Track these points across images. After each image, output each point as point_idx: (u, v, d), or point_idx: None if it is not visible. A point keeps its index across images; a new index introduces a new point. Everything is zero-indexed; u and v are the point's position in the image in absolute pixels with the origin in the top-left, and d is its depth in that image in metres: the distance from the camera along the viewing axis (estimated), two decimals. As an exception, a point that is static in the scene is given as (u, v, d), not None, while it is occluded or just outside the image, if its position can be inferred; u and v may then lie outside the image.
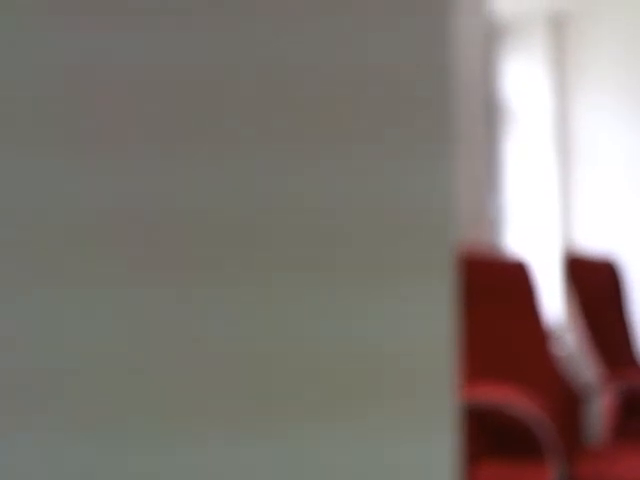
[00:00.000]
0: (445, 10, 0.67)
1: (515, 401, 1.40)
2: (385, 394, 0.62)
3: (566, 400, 1.89)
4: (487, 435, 1.61)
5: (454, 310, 0.67)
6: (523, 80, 3.42)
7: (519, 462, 1.50)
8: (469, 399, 1.55)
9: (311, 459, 0.42)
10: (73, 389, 0.29)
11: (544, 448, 1.31)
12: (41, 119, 0.29)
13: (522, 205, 3.34)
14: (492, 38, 3.32)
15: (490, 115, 2.95)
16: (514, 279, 1.95)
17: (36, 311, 0.29)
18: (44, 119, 0.29)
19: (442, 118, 0.63)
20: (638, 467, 1.47)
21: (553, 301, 2.88)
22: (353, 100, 0.48)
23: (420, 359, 0.66)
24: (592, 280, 2.40)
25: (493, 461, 1.55)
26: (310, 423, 0.45)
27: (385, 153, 0.52)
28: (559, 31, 3.40)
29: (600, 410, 2.35)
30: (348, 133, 0.45)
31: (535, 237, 3.29)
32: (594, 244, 3.18)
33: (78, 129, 0.29)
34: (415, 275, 0.63)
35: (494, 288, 1.87)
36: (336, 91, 0.47)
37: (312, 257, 0.45)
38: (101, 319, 0.29)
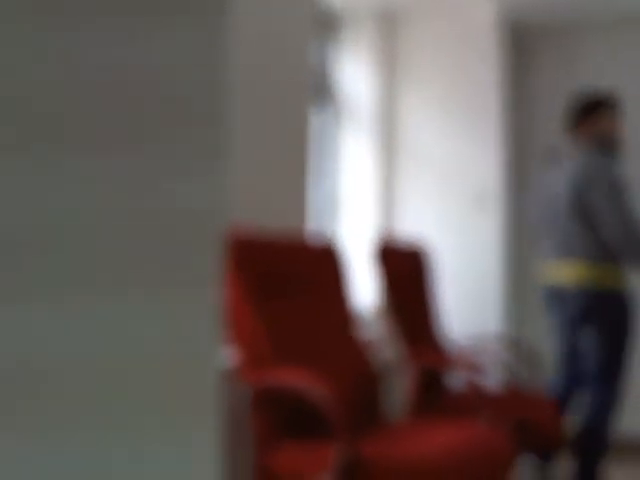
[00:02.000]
0: (220, 38, 0.60)
1: (306, 384, 1.42)
2: (145, 394, 0.57)
3: (369, 381, 1.96)
4: (285, 418, 1.62)
5: (217, 314, 0.62)
6: (354, 74, 3.52)
7: (315, 443, 1.54)
8: (262, 383, 1.55)
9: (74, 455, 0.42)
10: None
11: (332, 429, 1.35)
12: None
13: (349, 195, 3.45)
14: (324, 30, 3.37)
15: (322, 104, 3.00)
16: (321, 265, 1.99)
17: None
18: None
19: (217, 135, 0.58)
20: (425, 443, 1.58)
21: (364, 286, 3.01)
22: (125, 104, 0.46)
23: (180, 358, 0.61)
24: (401, 266, 2.54)
25: (291, 443, 1.57)
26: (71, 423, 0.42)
27: (150, 162, 0.48)
28: (387, 29, 3.54)
29: (402, 388, 2.49)
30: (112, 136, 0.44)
31: (357, 225, 3.42)
32: (410, 234, 3.38)
33: None
34: (178, 276, 0.58)
35: (301, 274, 1.88)
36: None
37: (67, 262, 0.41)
38: None
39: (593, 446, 2.29)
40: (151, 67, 0.55)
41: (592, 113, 2.48)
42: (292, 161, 2.32)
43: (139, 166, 0.51)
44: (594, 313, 2.33)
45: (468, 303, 3.21)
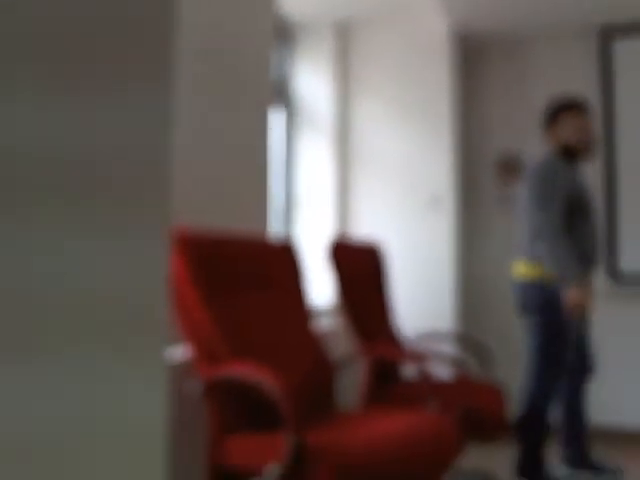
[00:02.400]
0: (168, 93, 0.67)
1: (256, 377, 1.48)
2: (104, 335, 0.64)
3: (323, 373, 2.03)
4: (238, 411, 1.68)
5: (165, 274, 0.69)
6: (310, 81, 3.59)
7: (266, 434, 1.60)
8: (215, 376, 1.60)
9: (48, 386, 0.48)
10: None
11: (282, 420, 1.41)
12: None
13: (306, 196, 3.52)
14: (281, 38, 3.43)
15: (280, 110, 3.04)
16: (278, 262, 2.05)
17: None
18: None
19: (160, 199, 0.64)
20: (373, 431, 1.65)
21: (321, 283, 3.08)
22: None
23: (133, 306, 0.68)
24: (356, 263, 2.62)
25: (242, 435, 1.62)
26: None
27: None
28: (343, 38, 3.62)
29: (356, 380, 2.57)
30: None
31: (313, 225, 3.49)
32: (365, 233, 3.47)
33: None
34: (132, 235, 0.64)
35: (257, 271, 1.94)
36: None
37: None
38: None
39: (530, 432, 2.41)
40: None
41: (553, 119, 2.54)
42: (253, 165, 2.37)
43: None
44: (527, 304, 2.50)
45: (421, 299, 3.32)
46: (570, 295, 2.35)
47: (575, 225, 2.46)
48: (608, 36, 3.45)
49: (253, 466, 1.53)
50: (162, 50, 0.71)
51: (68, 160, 0.58)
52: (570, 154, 2.52)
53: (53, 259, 0.55)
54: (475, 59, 3.79)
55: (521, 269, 2.51)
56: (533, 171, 2.47)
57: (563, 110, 2.52)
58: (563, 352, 2.43)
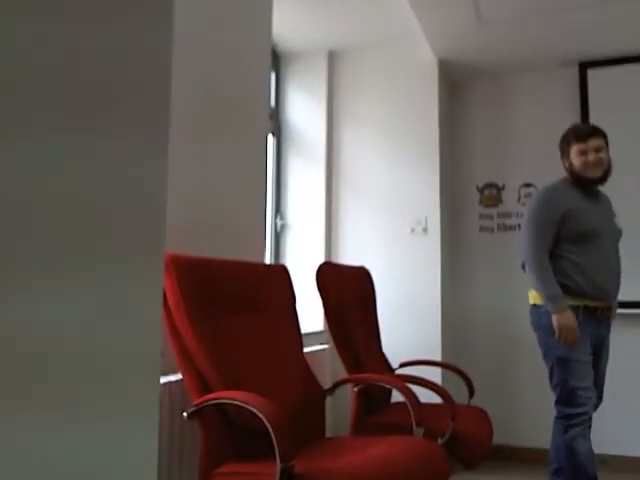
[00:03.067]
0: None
1: (248, 404, 1.49)
2: (95, 381, 0.65)
3: (313, 398, 2.04)
4: (231, 439, 1.67)
5: (159, 310, 0.71)
6: (301, 108, 3.64)
7: (256, 462, 1.59)
8: (207, 403, 1.60)
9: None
10: None
11: (273, 448, 1.41)
12: None
13: (297, 221, 3.55)
14: (278, 65, 3.50)
15: (277, 138, 3.09)
16: (272, 286, 2.06)
17: None
18: None
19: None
20: (361, 456, 1.66)
21: (310, 307, 3.09)
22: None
23: (125, 352, 0.69)
24: (344, 288, 2.64)
25: (233, 463, 1.62)
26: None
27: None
28: (332, 67, 3.69)
29: (346, 405, 2.57)
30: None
31: (304, 250, 3.51)
32: (351, 257, 3.50)
33: None
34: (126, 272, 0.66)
35: (252, 294, 1.95)
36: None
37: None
38: None
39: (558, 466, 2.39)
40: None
41: (563, 149, 2.53)
42: (251, 195, 2.39)
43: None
44: (531, 326, 2.55)
45: (405, 324, 3.34)
46: (555, 319, 2.35)
47: (584, 252, 2.40)
48: (586, 69, 3.56)
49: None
50: (157, 89, 0.74)
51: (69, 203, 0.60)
52: (580, 182, 2.47)
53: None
54: (459, 88, 3.88)
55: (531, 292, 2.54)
56: (535, 194, 2.51)
57: (566, 142, 2.50)
58: (577, 381, 2.35)
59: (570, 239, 2.40)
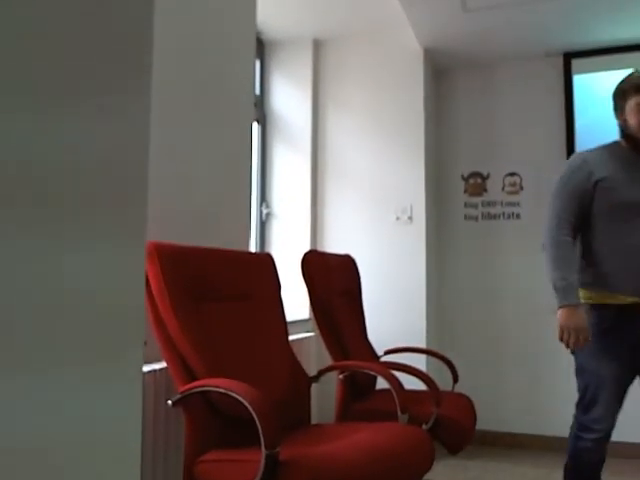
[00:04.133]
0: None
1: (234, 392, 1.49)
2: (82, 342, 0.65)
3: (299, 385, 2.05)
4: (216, 426, 1.68)
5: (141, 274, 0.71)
6: (286, 96, 3.63)
7: (242, 450, 1.60)
8: (193, 390, 1.60)
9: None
10: None
11: (260, 432, 1.41)
12: None
13: (284, 209, 3.54)
14: (258, 52, 3.47)
15: (262, 126, 3.06)
16: (257, 274, 2.06)
17: None
18: None
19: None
20: (345, 442, 1.67)
21: (296, 295, 3.10)
22: None
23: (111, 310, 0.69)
24: (331, 276, 2.64)
25: (219, 451, 1.62)
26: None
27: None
28: (317, 55, 3.67)
29: (332, 392, 2.58)
30: None
31: (289, 238, 3.51)
32: (339, 246, 3.51)
33: None
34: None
35: (237, 283, 1.95)
36: None
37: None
38: None
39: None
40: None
41: (617, 103, 2.05)
42: (236, 183, 2.38)
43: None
44: None
45: (394, 311, 3.36)
46: (559, 315, 1.94)
47: (620, 233, 1.95)
48: (571, 59, 3.58)
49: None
50: (139, 77, 0.73)
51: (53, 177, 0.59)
52: (634, 145, 2.00)
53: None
54: (445, 76, 3.88)
55: None
56: (566, 162, 2.12)
57: (630, 90, 1.99)
58: (594, 387, 1.98)
59: (604, 216, 1.97)
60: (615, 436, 2.02)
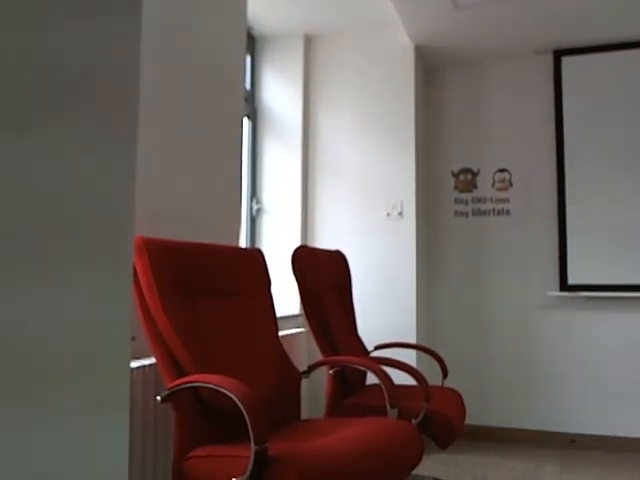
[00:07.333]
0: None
1: (223, 387, 1.49)
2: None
3: (289, 381, 2.05)
4: (206, 422, 1.68)
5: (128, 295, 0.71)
6: (277, 92, 3.61)
7: (231, 446, 1.60)
8: (182, 386, 1.60)
9: None
10: None
11: (249, 427, 1.41)
12: None
13: (274, 205, 3.54)
14: (248, 48, 3.46)
15: (253, 121, 3.05)
16: (247, 269, 2.06)
17: None
18: None
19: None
20: (334, 437, 1.67)
21: (287, 290, 3.10)
22: None
23: (95, 340, 0.69)
24: (320, 271, 2.65)
25: (208, 447, 1.62)
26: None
27: None
28: (308, 52, 3.66)
29: (322, 388, 2.59)
30: None
31: (279, 234, 3.50)
32: (328, 241, 3.51)
33: None
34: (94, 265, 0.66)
35: (227, 278, 1.95)
36: None
37: None
38: None
39: None
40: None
41: None
42: (226, 179, 2.37)
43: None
44: None
45: (384, 307, 3.37)
46: None
47: None
48: (560, 56, 3.59)
49: (218, 478, 1.53)
50: (126, 73, 0.73)
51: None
52: None
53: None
54: (435, 73, 3.88)
55: None
56: None
57: None
58: None
59: None
60: (624, 431, 2.01)
